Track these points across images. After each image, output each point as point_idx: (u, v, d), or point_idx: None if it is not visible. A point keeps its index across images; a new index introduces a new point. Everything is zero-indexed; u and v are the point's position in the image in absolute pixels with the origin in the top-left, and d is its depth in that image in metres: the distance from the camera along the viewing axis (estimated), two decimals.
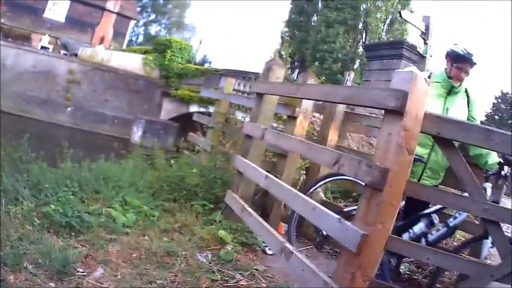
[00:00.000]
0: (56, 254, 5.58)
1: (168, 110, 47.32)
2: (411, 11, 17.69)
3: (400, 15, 16.24)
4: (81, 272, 5.61)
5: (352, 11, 46.69)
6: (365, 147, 13.70)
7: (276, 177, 7.38)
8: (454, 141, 4.86)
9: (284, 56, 38.53)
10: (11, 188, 7.46)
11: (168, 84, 48.48)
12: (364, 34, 48.82)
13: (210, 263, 6.59)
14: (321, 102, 9.81)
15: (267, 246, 7.70)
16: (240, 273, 6.44)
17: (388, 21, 48.71)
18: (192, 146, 13.24)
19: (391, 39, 45.07)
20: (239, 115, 13.66)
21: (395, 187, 4.53)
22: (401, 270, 8.10)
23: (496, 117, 67.22)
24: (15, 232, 6.14)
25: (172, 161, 11.63)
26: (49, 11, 57.09)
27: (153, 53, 51.65)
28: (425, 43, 15.58)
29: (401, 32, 47.00)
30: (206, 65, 63.47)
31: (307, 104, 9.21)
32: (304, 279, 5.24)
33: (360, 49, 47.55)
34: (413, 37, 16.41)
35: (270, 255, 7.65)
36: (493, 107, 70.05)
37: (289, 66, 43.04)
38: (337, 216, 4.96)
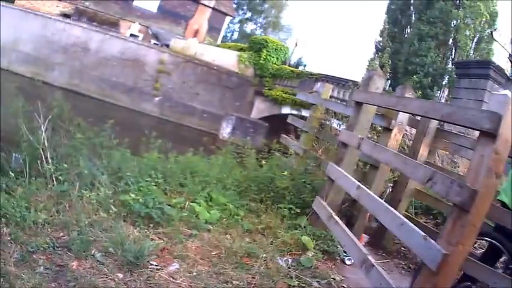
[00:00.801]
0: (129, 245, 5.63)
1: (260, 109, 47.20)
2: (499, 32, 17.49)
3: (492, 36, 16.06)
4: (155, 265, 5.65)
5: (443, 26, 46.16)
6: (449, 166, 13.56)
7: (366, 187, 7.30)
8: None
9: (383, 67, 38.36)
10: (87, 173, 7.50)
11: (262, 83, 48.33)
12: (453, 50, 48.29)
13: (289, 267, 6.59)
14: (413, 116, 9.71)
15: (346, 256, 7.68)
16: (317, 281, 6.43)
17: (476, 40, 48.09)
18: (283, 148, 13.19)
19: (477, 58, 44.50)
20: (334, 122, 13.56)
21: (481, 210, 4.47)
22: None
23: None
24: (86, 218, 6.22)
25: (262, 161, 11.62)
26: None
27: (249, 51, 51.48)
28: None
29: (487, 52, 46.42)
30: (301, 68, 63.10)
31: (402, 118, 9.23)
32: None
33: (449, 65, 47.06)
34: (500, 58, 16.18)
35: (348, 265, 7.61)
36: None
37: (387, 77, 42.92)
38: (423, 233, 4.92)
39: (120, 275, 5.20)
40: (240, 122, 41.89)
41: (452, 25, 47.13)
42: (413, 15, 53.12)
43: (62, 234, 5.84)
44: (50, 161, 7.67)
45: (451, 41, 47.77)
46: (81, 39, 43.96)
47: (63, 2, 52.70)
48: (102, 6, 54.59)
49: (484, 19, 46.89)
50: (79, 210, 6.36)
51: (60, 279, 4.93)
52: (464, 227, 4.40)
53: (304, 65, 75.81)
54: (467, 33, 46.77)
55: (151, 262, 5.63)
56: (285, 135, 14.14)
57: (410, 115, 9.25)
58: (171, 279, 5.39)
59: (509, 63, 15.36)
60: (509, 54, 15.20)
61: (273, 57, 49.95)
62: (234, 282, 5.69)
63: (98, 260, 5.37)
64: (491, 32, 16.60)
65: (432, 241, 4.65)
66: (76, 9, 52.57)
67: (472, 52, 47.58)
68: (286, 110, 40.34)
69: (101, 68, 43.92)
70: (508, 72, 15.56)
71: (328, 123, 13.16)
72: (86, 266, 5.20)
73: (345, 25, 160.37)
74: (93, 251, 5.52)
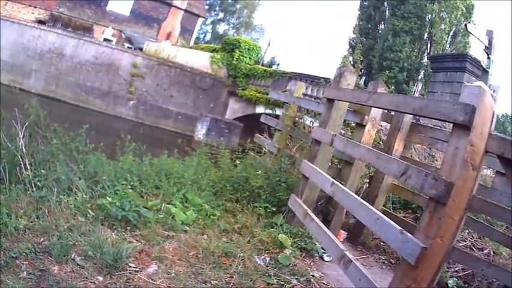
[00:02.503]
0: (108, 248, 5.66)
1: (234, 109, 47.41)
2: (474, 24, 17.59)
3: (466, 28, 16.10)
4: (133, 268, 5.66)
5: (418, 21, 46.21)
6: (426, 159, 13.64)
7: (341, 184, 7.36)
8: None
9: (355, 63, 38.64)
10: (65, 178, 7.54)
11: (235, 83, 48.54)
12: (429, 45, 48.45)
13: (267, 266, 6.62)
14: (387, 112, 9.75)
15: (325, 253, 7.70)
16: (296, 279, 6.45)
17: (451, 33, 48.26)
18: (257, 147, 13.23)
19: (454, 51, 44.68)
20: (307, 120, 13.60)
21: (458, 202, 4.50)
22: (449, 284, 8.05)
23: None
24: (65, 222, 6.23)
25: (237, 161, 11.65)
26: (113, 3, 57.55)
27: (221, 51, 51.76)
28: (488, 57, 15.42)
29: (464, 45, 46.60)
30: (274, 67, 63.52)
31: (376, 113, 9.24)
32: None
33: (425, 60, 47.15)
34: (476, 51, 16.28)
35: (327, 261, 7.65)
36: None
37: (358, 73, 42.99)
38: (399, 227, 4.95)
39: (100, 278, 5.23)
40: (215, 123, 42.05)
41: (427, 19, 47.24)
42: (387, 10, 53.21)
43: (42, 239, 5.85)
44: (28, 167, 7.66)
45: (426, 35, 47.88)
46: (56, 45, 43.99)
47: (38, 8, 52.48)
48: (76, 12, 54.51)
49: (460, 12, 47.05)
50: (58, 215, 6.38)
51: (43, 284, 4.96)
52: (442, 220, 4.42)
53: (278, 64, 76.51)
54: (443, 27, 46.89)
55: (130, 264, 5.66)
56: (258, 135, 14.27)
57: (385, 110, 9.28)
58: (150, 280, 5.42)
59: (485, 55, 15.44)
60: (485, 46, 15.28)
61: (246, 57, 50.27)
62: (212, 282, 5.73)
63: (78, 264, 5.39)
64: (466, 25, 16.65)
65: (409, 235, 4.68)
66: (51, 15, 52.37)
67: (448, 46, 47.75)
68: (260, 109, 40.52)
69: (76, 73, 44.06)
70: (484, 64, 15.64)
71: (301, 121, 13.16)
72: (67, 270, 5.22)
73: (318, 23, 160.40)
74: (73, 255, 5.54)
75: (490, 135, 4.58)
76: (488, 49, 15.46)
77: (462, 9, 46.98)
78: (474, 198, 4.89)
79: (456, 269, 8.89)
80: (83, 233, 6.12)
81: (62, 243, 5.63)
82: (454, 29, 47.82)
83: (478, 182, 4.74)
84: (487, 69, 15.65)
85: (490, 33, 15.61)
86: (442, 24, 46.85)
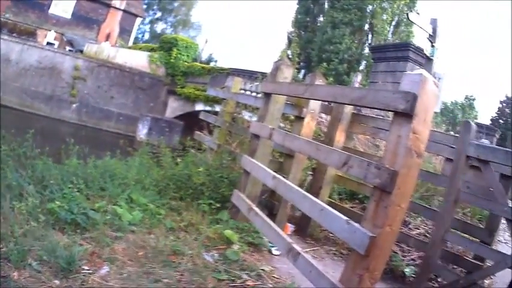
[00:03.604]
0: (61, 251, 5.61)
1: (174, 108, 47.23)
2: (417, 13, 17.71)
3: (408, 18, 16.24)
4: (87, 270, 5.62)
5: (358, 12, 46.38)
6: (371, 149, 13.73)
7: (283, 177, 7.39)
8: None
9: (292, 56, 38.45)
10: (15, 184, 7.47)
11: (174, 82, 48.32)
12: (370, 35, 48.69)
13: (216, 262, 6.60)
14: (328, 103, 9.83)
15: (273, 247, 7.73)
16: (246, 273, 6.46)
17: (394, 23, 48.59)
18: (198, 144, 13.23)
19: (397, 41, 44.97)
20: (246, 115, 13.64)
21: (404, 190, 4.53)
22: (406, 272, 8.15)
23: (500, 121, 67.11)
24: (19, 228, 6.16)
25: (178, 160, 11.62)
26: (55, 7, 57.02)
27: (159, 50, 51.53)
28: (432, 45, 15.57)
29: (407, 34, 47.01)
30: (212, 64, 63.33)
31: (314, 105, 9.24)
32: (311, 280, 5.26)
33: (366, 50, 47.32)
34: (420, 39, 16.42)
35: (276, 255, 7.68)
36: (498, 111, 69.93)
37: (296, 66, 43.05)
38: (345, 218, 4.97)
39: (57, 282, 5.20)
40: (155, 122, 41.94)
41: (368, 10, 47.54)
42: (325, 3, 53.41)
43: (0, 246, 5.82)
44: None
45: (367, 26, 48.18)
46: (2, 51, 43.16)
47: None
48: (21, 17, 53.85)
49: (402, 2, 47.47)
50: (12, 221, 6.30)
51: None
52: (389, 208, 4.45)
53: (216, 61, 76.33)
54: (385, 17, 47.26)
55: (83, 267, 5.62)
56: (198, 132, 14.35)
57: (324, 102, 9.37)
58: (104, 282, 5.40)
59: (429, 43, 15.56)
60: (429, 35, 15.40)
61: (184, 55, 50.16)
62: (164, 280, 5.72)
63: (35, 269, 5.33)
64: (407, 14, 16.80)
65: (356, 225, 4.72)
66: None
67: (390, 36, 48.10)
68: (199, 106, 40.53)
69: (21, 79, 43.41)
70: (427, 53, 15.76)
71: (240, 116, 13.23)
72: (26, 276, 5.17)
73: (256, 18, 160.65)
74: (29, 260, 5.48)
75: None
76: (432, 37, 15.58)
77: None
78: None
79: (412, 257, 9.02)
80: (37, 238, 6.04)
81: (19, 249, 5.56)
82: (396, 18, 48.19)
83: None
84: (431, 58, 15.78)
85: (434, 22, 15.72)
86: (384, 15, 47.19)
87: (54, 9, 57.10)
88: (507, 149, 7.46)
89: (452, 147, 8.29)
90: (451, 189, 7.63)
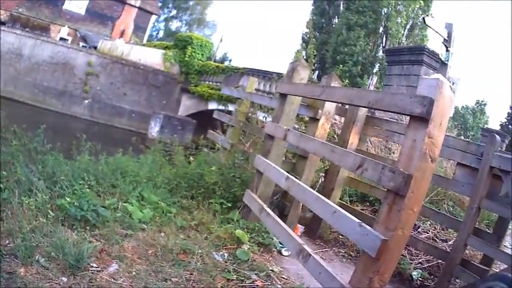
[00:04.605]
0: (69, 248, 5.59)
1: (187, 106, 47.33)
2: (432, 17, 17.61)
3: (424, 21, 16.16)
4: (95, 267, 5.61)
5: (373, 15, 46.41)
6: (383, 152, 13.70)
7: (296, 178, 7.35)
8: None
9: (308, 58, 38.53)
10: (25, 179, 7.48)
11: (188, 80, 48.52)
12: (384, 38, 48.65)
13: (226, 262, 6.59)
14: (342, 105, 9.81)
15: (283, 247, 7.72)
16: (255, 274, 6.44)
17: (408, 26, 48.56)
18: (211, 143, 13.21)
19: (411, 44, 44.89)
20: (260, 115, 13.61)
21: (418, 194, 4.51)
22: (414, 276, 8.13)
23: (510, 126, 66.97)
24: (27, 224, 6.16)
25: (191, 158, 11.64)
26: (69, 3, 57.24)
27: (174, 48, 51.71)
28: (447, 50, 15.51)
29: (422, 38, 46.98)
30: (226, 63, 63.51)
31: (329, 107, 9.22)
32: (320, 282, 5.25)
33: (380, 53, 47.40)
34: (434, 43, 16.35)
35: (285, 256, 7.66)
36: (507, 116, 69.76)
37: (311, 68, 42.97)
38: (357, 220, 4.95)
39: (64, 279, 5.19)
40: (168, 120, 41.91)
41: (383, 13, 47.51)
42: (341, 5, 53.48)
43: (7, 241, 5.76)
44: None
45: (381, 29, 48.15)
46: (15, 45, 43.30)
47: None
48: (34, 12, 54.02)
49: (417, 6, 47.42)
50: (20, 217, 6.29)
51: (12, 286, 4.91)
52: (402, 212, 4.43)
53: (230, 60, 77.03)
54: (399, 20, 47.23)
55: (91, 264, 5.61)
56: (212, 131, 14.28)
57: (339, 104, 9.33)
58: (112, 280, 5.38)
59: (444, 48, 15.50)
60: (444, 39, 15.35)
61: (198, 54, 50.47)
62: (173, 279, 5.71)
63: (42, 265, 5.33)
64: (424, 18, 16.71)
65: (368, 227, 4.70)
66: (10, 16, 51.90)
67: (404, 39, 48.06)
68: (212, 105, 40.68)
69: (34, 74, 43.60)
70: (442, 57, 15.71)
71: (254, 116, 13.17)
72: (33, 272, 5.16)
73: (271, 18, 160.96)
74: (37, 257, 5.48)
75: None
76: (447, 42, 15.53)
77: (420, 3, 47.36)
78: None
79: (420, 260, 8.99)
80: (45, 234, 6.05)
81: (26, 245, 5.57)
82: (411, 22, 48.24)
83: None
84: (446, 62, 15.73)
85: (449, 26, 15.68)
86: (399, 18, 47.21)
87: (68, 5, 57.44)
88: None
89: (465, 152, 8.28)
90: (475, 197, 7.64)
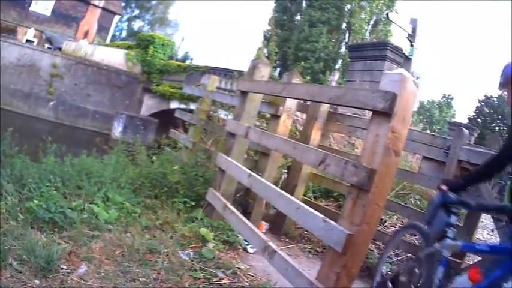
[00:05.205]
0: (40, 251, 5.54)
1: (149, 105, 47.30)
2: (396, 13, 17.76)
3: (388, 17, 16.28)
4: (65, 269, 5.57)
5: (336, 11, 46.61)
6: (346, 148, 13.76)
7: (258, 175, 7.41)
8: None
9: (269, 55, 38.58)
10: None
11: (150, 80, 48.51)
12: (347, 34, 48.93)
13: (192, 260, 6.57)
14: (304, 102, 9.85)
15: (248, 245, 7.73)
16: (222, 272, 6.44)
17: (372, 22, 48.84)
18: (173, 142, 13.22)
19: (374, 40, 45.09)
20: (221, 113, 13.63)
21: (382, 188, 4.55)
22: (383, 271, 8.17)
23: (479, 120, 67.62)
24: None
25: (153, 158, 11.65)
26: (35, 4, 57.11)
27: (136, 48, 51.79)
28: (411, 45, 15.63)
29: (386, 33, 47.24)
30: (188, 62, 63.63)
31: (291, 103, 9.24)
32: (288, 278, 5.27)
33: (343, 49, 47.68)
34: (398, 39, 16.47)
35: (251, 253, 7.68)
36: (476, 110, 70.44)
37: (273, 65, 43.11)
38: (321, 216, 4.99)
39: (37, 281, 5.14)
40: (131, 120, 41.94)
41: (346, 9, 47.73)
42: (303, 1, 53.66)
43: None
44: None
45: (344, 25, 48.39)
46: None
47: None
48: (2, 14, 53.52)
49: (381, 1, 47.68)
50: None
51: None
52: (366, 207, 4.47)
53: (192, 59, 76.92)
54: (363, 16, 47.49)
55: (61, 266, 5.58)
56: (173, 130, 14.34)
57: (300, 100, 9.40)
58: (82, 281, 5.35)
59: (408, 43, 15.64)
60: (408, 34, 15.48)
61: (160, 53, 50.58)
62: (141, 279, 5.71)
63: (15, 269, 5.28)
64: (387, 13, 16.84)
65: (333, 223, 4.74)
66: None
67: (368, 35, 48.33)
68: (174, 104, 40.64)
69: (1, 76, 42.95)
70: (406, 52, 15.84)
71: (215, 114, 13.26)
72: (7, 276, 5.12)
73: (233, 17, 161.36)
74: (10, 260, 5.43)
75: None
76: (411, 37, 15.67)
77: None
78: None
79: (388, 254, 9.05)
80: (16, 237, 6.00)
81: (0, 249, 5.59)
82: (374, 18, 48.42)
83: None
84: (410, 57, 15.86)
85: (413, 22, 15.82)
86: (362, 14, 47.47)
87: (35, 7, 57.38)
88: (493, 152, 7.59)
89: (431, 146, 8.35)
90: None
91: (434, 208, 5.59)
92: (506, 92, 5.21)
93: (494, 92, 68.24)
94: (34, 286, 5.07)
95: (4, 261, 5.35)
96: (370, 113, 4.97)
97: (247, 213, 8.90)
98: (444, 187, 5.55)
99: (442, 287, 5.16)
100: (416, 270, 5.40)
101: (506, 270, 4.38)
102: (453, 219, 5.48)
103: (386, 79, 4.69)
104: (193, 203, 8.89)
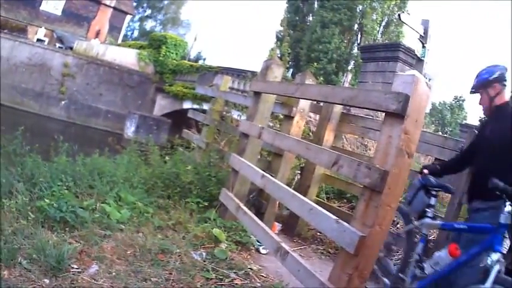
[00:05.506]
0: (50, 250, 5.55)
1: (162, 106, 47.18)
2: (408, 14, 17.71)
3: (399, 18, 16.22)
4: (76, 269, 5.57)
5: (348, 12, 46.41)
6: (359, 149, 13.74)
7: (272, 176, 7.39)
8: None
9: (282, 56, 38.60)
10: (5, 182, 7.46)
11: (162, 80, 48.42)
12: (359, 35, 48.76)
13: (204, 261, 6.56)
14: (317, 103, 9.83)
15: (261, 246, 7.72)
16: (234, 272, 6.42)
17: (383, 23, 48.66)
18: (186, 142, 13.22)
19: (386, 41, 44.95)
20: (235, 113, 13.63)
21: (395, 190, 4.53)
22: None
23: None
24: (9, 226, 6.12)
25: (166, 158, 11.64)
26: (46, 3, 57.12)
27: (148, 48, 51.71)
28: (423, 46, 15.58)
29: (397, 35, 47.00)
30: (200, 62, 63.53)
31: (304, 104, 9.25)
32: (300, 279, 5.26)
33: (355, 50, 47.45)
34: (410, 40, 16.41)
35: (264, 254, 7.67)
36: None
37: (286, 66, 43.00)
38: (334, 217, 4.97)
39: (47, 281, 5.15)
40: (143, 120, 41.90)
41: (358, 10, 47.63)
42: (315, 2, 53.47)
43: None
44: None
45: (356, 26, 48.27)
46: None
47: None
48: (12, 13, 53.63)
49: (393, 3, 47.52)
50: (2, 219, 6.27)
51: None
52: (379, 208, 4.46)
53: (204, 59, 76.74)
54: (375, 17, 47.32)
55: (72, 265, 5.58)
56: (186, 130, 14.39)
57: (314, 101, 9.42)
58: (93, 281, 5.35)
59: (420, 44, 15.58)
60: (420, 35, 15.42)
61: (172, 53, 50.53)
62: (152, 279, 5.70)
63: (25, 268, 5.28)
64: (399, 15, 16.76)
65: (346, 224, 4.72)
66: None
67: (380, 36, 48.16)
68: (187, 104, 40.57)
69: (11, 75, 43.13)
70: (418, 54, 15.79)
71: (228, 115, 13.25)
72: (16, 274, 5.13)
73: (245, 17, 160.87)
74: (19, 259, 5.43)
75: None
76: (423, 38, 15.60)
77: (396, 0, 47.50)
78: None
79: (400, 256, 9.02)
80: (26, 236, 6.01)
81: (9, 248, 5.54)
82: (386, 19, 48.24)
83: None
84: (422, 58, 15.79)
85: (425, 23, 15.74)
86: (374, 15, 47.25)
87: (45, 6, 57.16)
88: None
89: (443, 147, 8.32)
90: (456, 192, 7.68)
91: (416, 190, 6.32)
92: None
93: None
94: (44, 285, 5.08)
95: (14, 259, 5.36)
96: (383, 114, 4.95)
97: (260, 214, 8.90)
98: (425, 171, 6.39)
99: (422, 261, 5.86)
100: (393, 247, 5.64)
101: (484, 246, 4.96)
102: (433, 200, 6.22)
103: (399, 80, 4.68)
104: (206, 204, 8.89)
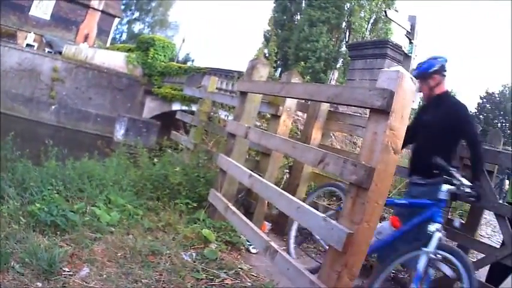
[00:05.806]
0: (42, 254, 5.57)
1: (151, 108, 47.34)
2: (396, 11, 17.77)
3: (386, 15, 16.29)
4: (67, 272, 5.59)
5: (335, 10, 46.58)
6: (348, 146, 13.77)
7: (260, 175, 7.42)
8: None
9: (269, 55, 38.59)
10: None
11: (151, 82, 48.61)
12: (347, 33, 48.88)
13: (194, 261, 6.58)
14: (304, 101, 9.85)
15: (251, 245, 7.75)
16: (224, 272, 6.45)
17: (372, 21, 48.76)
18: (175, 144, 13.23)
19: (374, 38, 45.02)
20: (222, 114, 13.66)
21: (381, 186, 4.53)
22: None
23: (481, 116, 67.54)
24: (1, 231, 6.13)
25: (155, 160, 11.66)
26: (35, 8, 57.33)
27: (136, 51, 51.93)
28: (410, 43, 15.63)
29: (386, 32, 47.21)
30: (189, 63, 63.58)
31: (290, 103, 9.27)
32: (289, 278, 5.27)
33: (343, 48, 47.63)
34: (398, 37, 16.49)
35: (254, 254, 7.71)
36: (477, 106, 70.36)
37: (273, 65, 43.10)
38: (322, 214, 5.01)
39: (39, 284, 5.18)
40: (133, 122, 42.10)
41: (346, 8, 47.73)
42: (303, 1, 53.70)
43: None
44: None
45: (344, 24, 48.38)
46: None
47: None
48: (1, 19, 53.61)
49: (381, 0, 47.61)
50: None
51: None
52: (366, 205, 4.45)
53: (192, 61, 77.12)
54: (363, 14, 47.45)
55: (63, 268, 5.60)
56: (175, 132, 14.43)
57: (300, 100, 9.41)
58: (85, 283, 5.37)
59: (407, 40, 15.66)
60: (407, 31, 15.49)
61: (161, 55, 50.69)
62: (143, 281, 5.71)
63: (18, 271, 5.31)
64: (385, 11, 16.84)
65: (333, 221, 4.73)
66: None
67: (368, 33, 48.28)
68: (176, 106, 40.86)
69: (2, 81, 43.09)
70: (405, 49, 15.87)
71: (216, 115, 13.30)
72: (9, 278, 5.16)
73: (233, 18, 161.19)
74: (12, 263, 5.46)
75: None
76: (410, 34, 15.67)
77: None
78: None
79: None
80: (18, 241, 6.04)
81: (2, 252, 5.55)
82: (374, 16, 48.36)
83: None
84: (409, 54, 15.85)
85: (412, 19, 15.81)
86: (362, 12, 47.40)
87: (35, 11, 57.50)
88: (494, 149, 7.67)
89: None
90: None
91: None
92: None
93: (496, 88, 68.39)
94: None
95: (6, 264, 5.37)
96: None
97: (249, 213, 8.93)
98: None
99: None
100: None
101: (422, 218, 5.78)
102: None
103: (384, 77, 4.67)
104: (195, 204, 8.90)
